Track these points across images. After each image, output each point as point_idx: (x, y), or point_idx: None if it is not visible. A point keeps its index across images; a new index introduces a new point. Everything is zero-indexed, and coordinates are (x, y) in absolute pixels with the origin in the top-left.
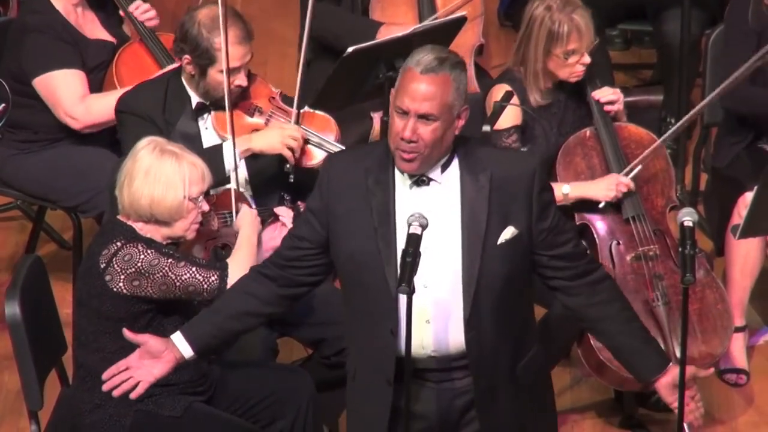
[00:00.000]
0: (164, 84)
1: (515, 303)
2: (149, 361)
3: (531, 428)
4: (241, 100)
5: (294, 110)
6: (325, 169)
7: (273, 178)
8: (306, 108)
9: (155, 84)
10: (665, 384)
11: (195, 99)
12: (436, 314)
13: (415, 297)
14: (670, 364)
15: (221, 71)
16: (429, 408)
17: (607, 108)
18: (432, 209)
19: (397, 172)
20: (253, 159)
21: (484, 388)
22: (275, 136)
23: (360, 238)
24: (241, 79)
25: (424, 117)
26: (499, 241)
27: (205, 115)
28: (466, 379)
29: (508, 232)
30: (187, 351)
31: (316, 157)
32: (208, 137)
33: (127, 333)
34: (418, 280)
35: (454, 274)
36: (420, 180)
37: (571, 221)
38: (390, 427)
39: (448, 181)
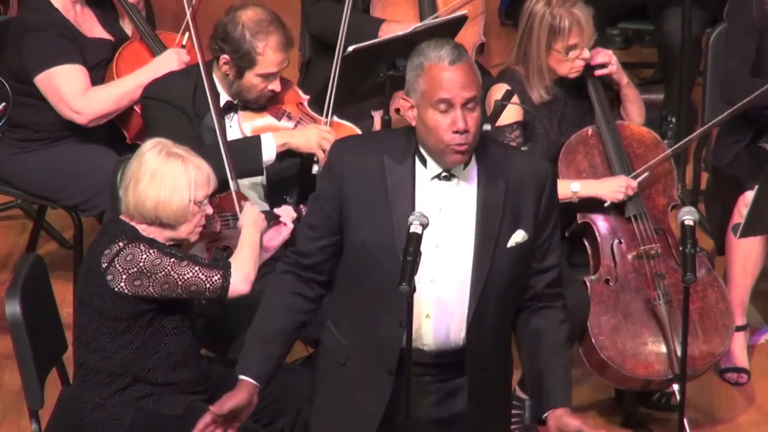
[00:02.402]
0: (194, 77)
1: (514, 306)
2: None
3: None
4: (271, 104)
5: (324, 119)
6: (335, 154)
7: (289, 181)
8: (334, 117)
9: (185, 75)
10: (551, 425)
11: (224, 97)
12: (437, 309)
13: (419, 290)
14: (561, 408)
15: (259, 75)
16: (418, 401)
17: (599, 72)
18: (449, 204)
19: (418, 164)
20: (277, 160)
21: (477, 386)
22: (313, 135)
23: (375, 228)
24: (275, 84)
25: (467, 104)
26: (509, 244)
27: (231, 114)
28: (457, 375)
29: (519, 236)
30: (257, 386)
31: None
32: (233, 136)
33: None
34: (425, 273)
35: (463, 271)
36: (441, 174)
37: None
38: (384, 417)
39: (468, 178)
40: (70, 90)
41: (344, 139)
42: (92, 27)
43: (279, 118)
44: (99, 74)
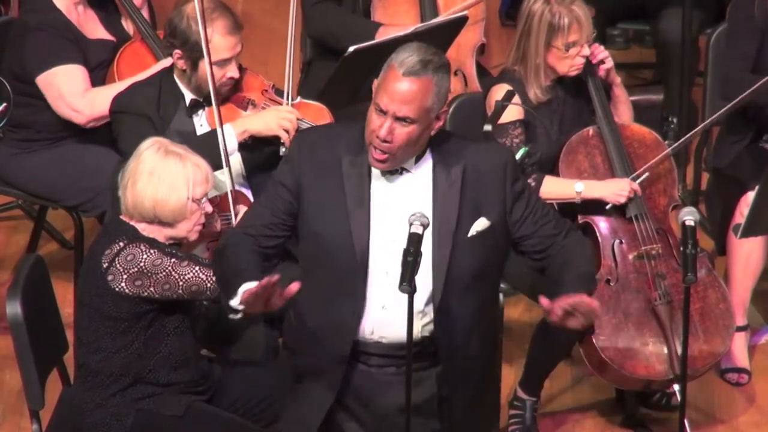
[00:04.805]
0: (157, 83)
1: (484, 296)
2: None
3: (484, 417)
4: (234, 93)
5: (285, 101)
6: (297, 144)
7: (268, 167)
8: (299, 99)
9: (148, 83)
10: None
11: (188, 96)
12: (393, 301)
13: (375, 282)
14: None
15: (213, 63)
16: (371, 393)
17: (601, 68)
18: (404, 198)
19: None
20: (247, 150)
21: (449, 376)
22: (271, 117)
23: (331, 219)
24: (232, 71)
25: (401, 119)
26: (470, 233)
27: (200, 112)
28: (422, 365)
29: (480, 224)
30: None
31: None
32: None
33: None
34: (379, 266)
35: (421, 263)
36: (393, 169)
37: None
38: (334, 405)
39: (421, 171)
40: (69, 89)
41: (307, 130)
42: (94, 28)
43: (245, 108)
44: (100, 75)
